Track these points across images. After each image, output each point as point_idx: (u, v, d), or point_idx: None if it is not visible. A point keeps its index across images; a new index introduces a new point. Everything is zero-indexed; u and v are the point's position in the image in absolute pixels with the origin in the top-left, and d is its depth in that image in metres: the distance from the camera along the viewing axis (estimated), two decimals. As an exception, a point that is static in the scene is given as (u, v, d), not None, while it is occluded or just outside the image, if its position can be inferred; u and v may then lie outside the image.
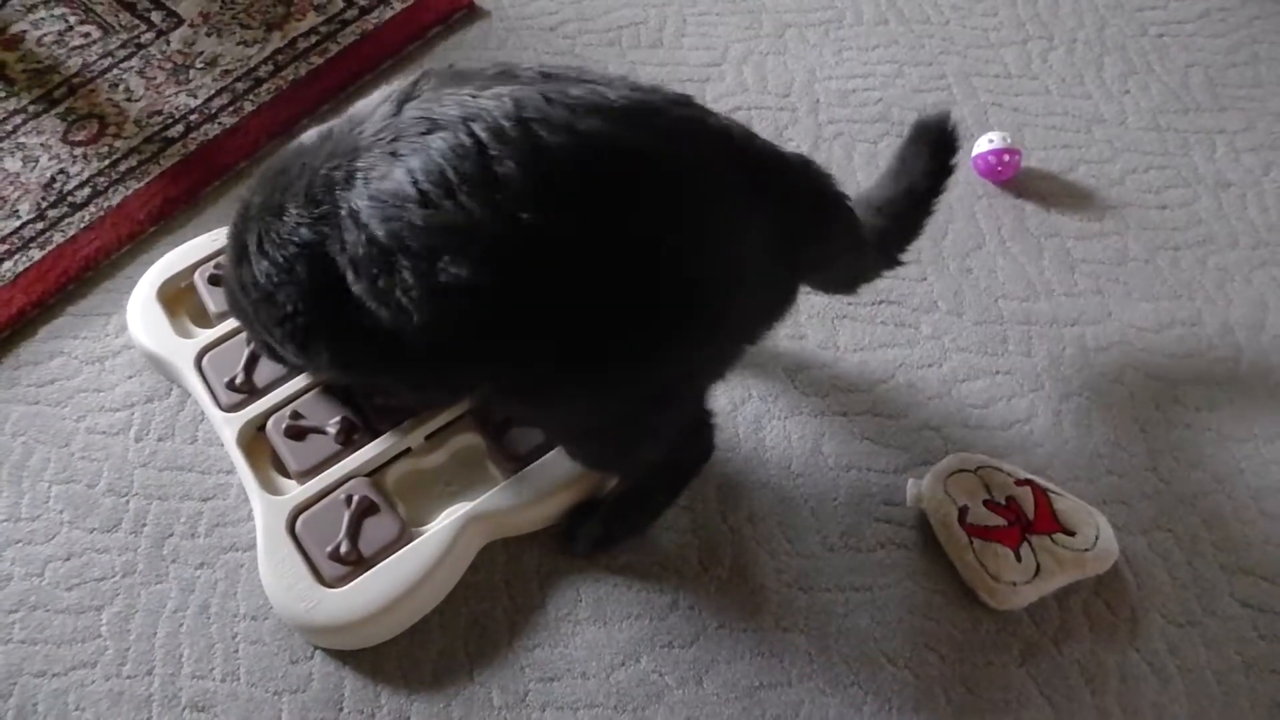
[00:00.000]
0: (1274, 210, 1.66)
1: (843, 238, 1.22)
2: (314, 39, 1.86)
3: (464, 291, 1.00)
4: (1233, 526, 1.36)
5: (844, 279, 1.34)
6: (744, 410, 1.44)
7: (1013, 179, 1.67)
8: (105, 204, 1.64)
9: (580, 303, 1.02)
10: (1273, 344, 1.52)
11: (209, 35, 1.87)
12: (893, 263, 1.34)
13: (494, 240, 0.99)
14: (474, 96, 1.01)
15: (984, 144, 1.66)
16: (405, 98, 1.06)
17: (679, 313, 1.05)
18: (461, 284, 1.00)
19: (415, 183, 0.99)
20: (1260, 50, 1.87)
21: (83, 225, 1.62)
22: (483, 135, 0.98)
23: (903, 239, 1.33)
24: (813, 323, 1.51)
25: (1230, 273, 1.59)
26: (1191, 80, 1.83)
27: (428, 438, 1.37)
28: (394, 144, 1.02)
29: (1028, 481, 1.34)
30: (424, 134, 1.01)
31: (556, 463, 1.33)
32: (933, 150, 1.30)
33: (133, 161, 1.70)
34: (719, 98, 1.78)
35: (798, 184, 1.14)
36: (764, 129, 1.69)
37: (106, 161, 1.70)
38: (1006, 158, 1.64)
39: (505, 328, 1.04)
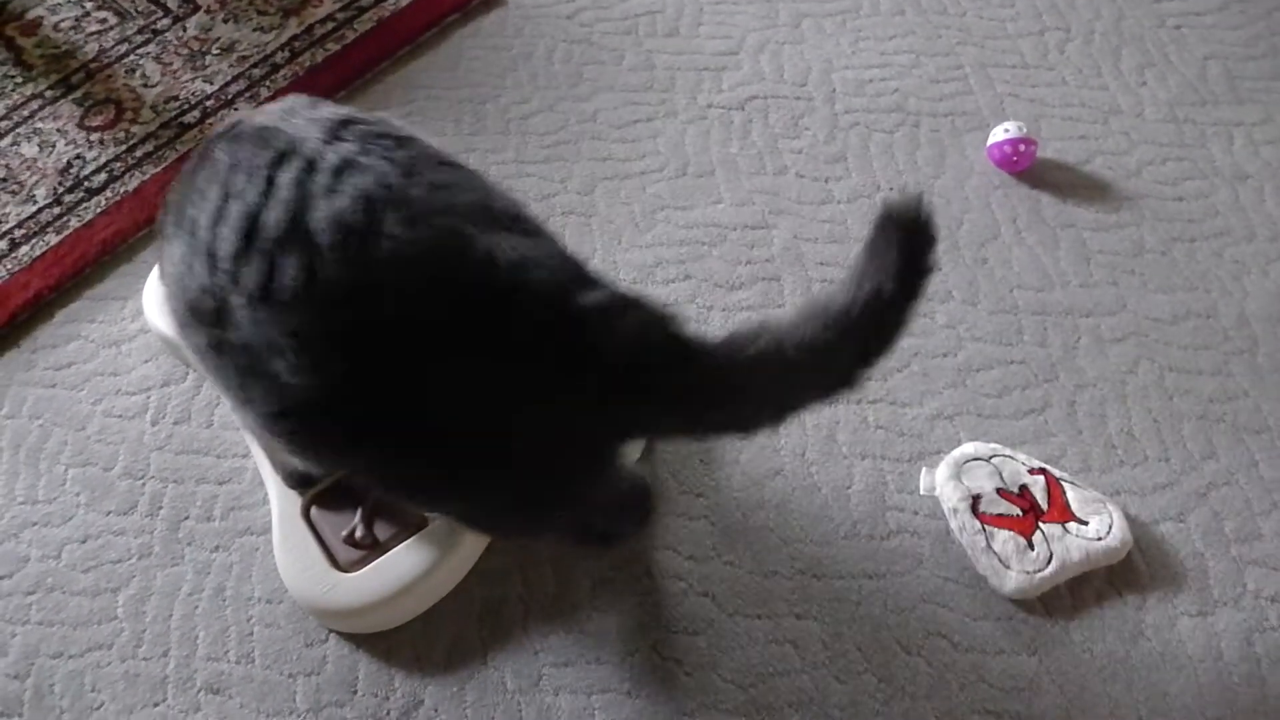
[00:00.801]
0: (1292, 203, 1.66)
1: (680, 394, 0.99)
2: (330, 25, 1.86)
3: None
4: (1247, 518, 1.36)
5: (718, 427, 1.09)
6: (758, 398, 1.44)
7: (1028, 169, 1.67)
8: (122, 189, 1.65)
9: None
10: (1289, 337, 1.52)
11: (225, 21, 1.88)
12: (831, 391, 1.03)
13: (191, 343, 1.02)
14: (225, 193, 0.97)
15: (999, 134, 1.66)
16: (198, 161, 1.04)
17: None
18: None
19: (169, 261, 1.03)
20: (1279, 42, 1.87)
21: (99, 210, 1.62)
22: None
23: (861, 357, 1.02)
24: (827, 311, 1.51)
25: (1247, 265, 1.59)
26: (1209, 72, 1.83)
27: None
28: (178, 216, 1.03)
29: (1042, 470, 1.34)
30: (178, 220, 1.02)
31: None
32: (903, 244, 1.00)
33: (149, 147, 1.70)
34: (735, 86, 1.78)
35: (583, 337, 0.95)
36: (780, 119, 1.71)
37: (123, 147, 1.70)
38: (1022, 148, 1.64)
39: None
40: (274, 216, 0.92)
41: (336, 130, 0.98)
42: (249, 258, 0.93)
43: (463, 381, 0.92)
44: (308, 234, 0.91)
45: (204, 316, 0.97)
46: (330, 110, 1.03)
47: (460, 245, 0.92)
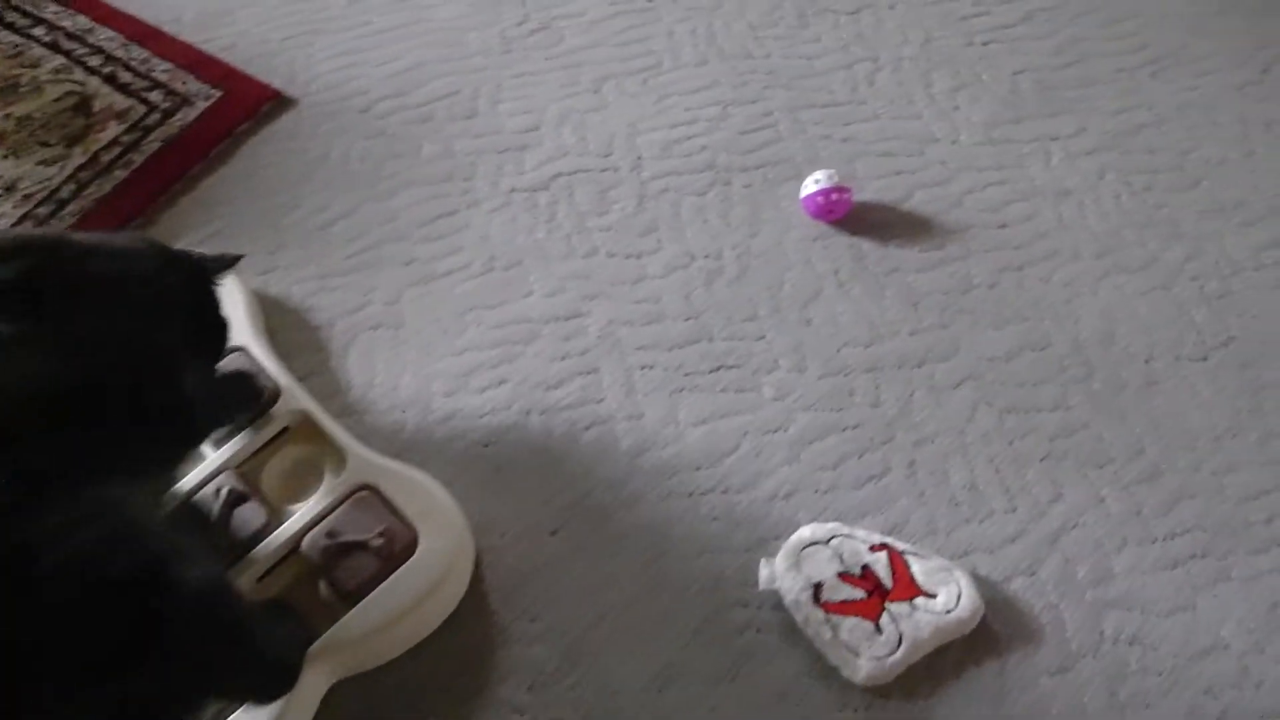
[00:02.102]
0: (1114, 214, 1.63)
1: None
2: (117, 150, 1.78)
3: None
4: (1098, 559, 1.33)
5: None
6: (588, 503, 1.38)
7: (846, 216, 1.62)
8: (-98, 360, 1.55)
9: None
10: (1123, 356, 1.49)
11: (6, 157, 1.78)
12: None
13: None
14: None
15: (810, 185, 1.61)
16: None
17: None
18: None
19: None
20: (1087, 47, 1.85)
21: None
22: None
23: None
24: (650, 399, 1.45)
25: (1076, 287, 1.56)
26: (1021, 86, 1.80)
27: (259, 579, 1.29)
28: None
29: (883, 546, 1.30)
30: None
31: (392, 591, 1.25)
32: None
33: (-71, 309, 1.60)
34: (538, 165, 1.72)
35: None
36: (586, 195, 1.66)
37: (-99, 313, 1.60)
38: (835, 196, 1.60)
39: None
40: None
41: None
42: None
43: None
44: None
45: None
46: None
47: None
